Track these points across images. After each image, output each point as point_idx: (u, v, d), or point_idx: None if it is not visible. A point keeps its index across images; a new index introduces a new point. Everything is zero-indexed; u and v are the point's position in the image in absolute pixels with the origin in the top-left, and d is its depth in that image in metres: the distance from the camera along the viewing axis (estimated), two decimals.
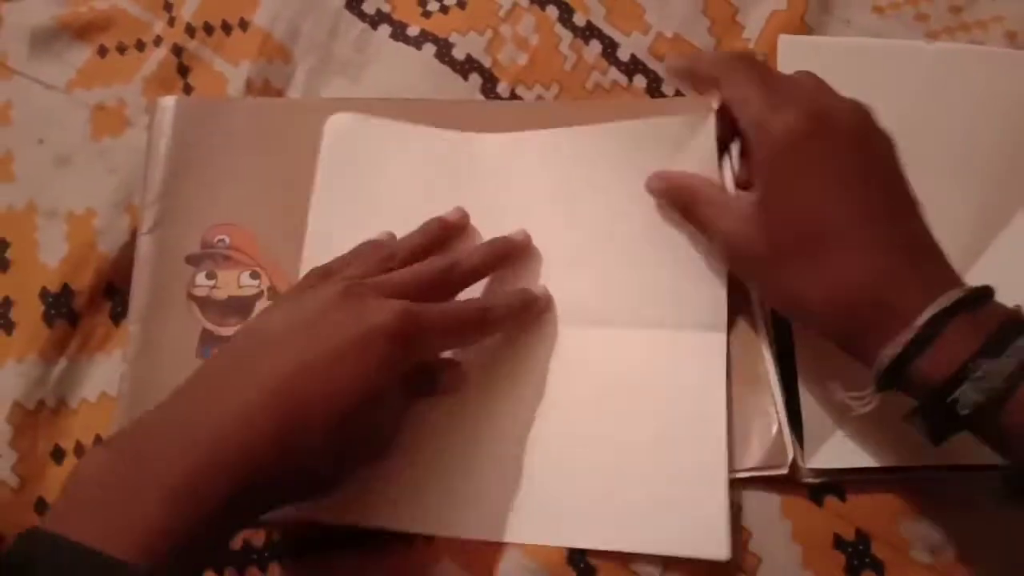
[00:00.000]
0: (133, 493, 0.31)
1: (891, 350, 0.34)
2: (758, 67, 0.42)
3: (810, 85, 0.40)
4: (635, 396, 0.42)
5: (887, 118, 0.44)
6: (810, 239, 0.37)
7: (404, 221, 0.44)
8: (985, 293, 0.35)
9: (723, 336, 0.42)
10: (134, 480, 0.31)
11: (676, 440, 0.41)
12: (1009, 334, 0.33)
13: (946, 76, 0.48)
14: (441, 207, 0.45)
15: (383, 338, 0.35)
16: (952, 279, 0.36)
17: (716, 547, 0.39)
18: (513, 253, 0.44)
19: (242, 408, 0.33)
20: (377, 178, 0.47)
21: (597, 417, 0.42)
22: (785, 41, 0.49)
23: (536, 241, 0.45)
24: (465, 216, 0.45)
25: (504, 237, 0.44)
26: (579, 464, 0.41)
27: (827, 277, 0.37)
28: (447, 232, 0.44)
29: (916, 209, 0.38)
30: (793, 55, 0.49)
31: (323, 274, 0.40)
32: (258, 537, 0.41)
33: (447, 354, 0.42)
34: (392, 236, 0.44)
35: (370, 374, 0.35)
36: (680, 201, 0.43)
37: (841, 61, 0.49)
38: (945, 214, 0.44)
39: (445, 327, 0.38)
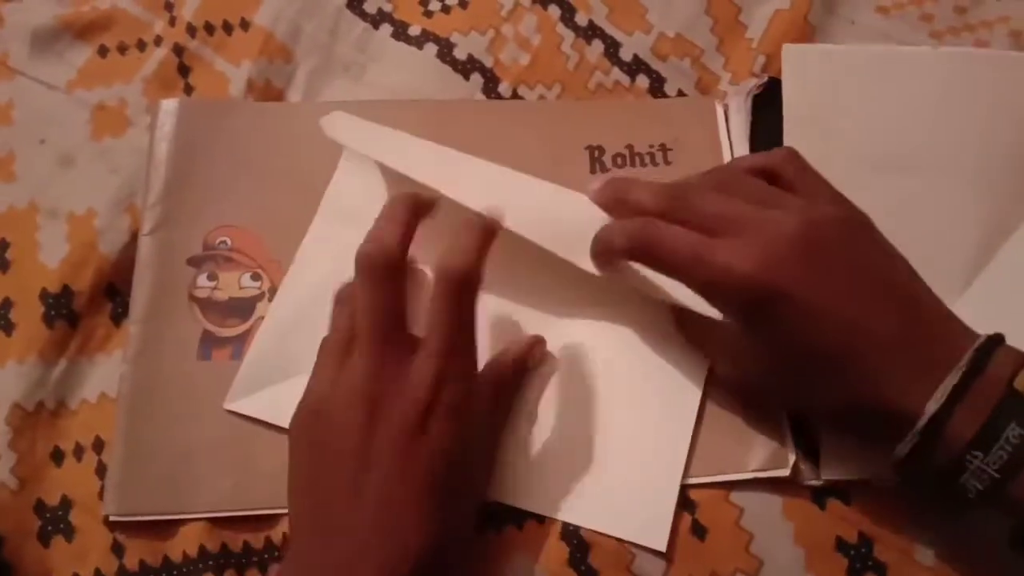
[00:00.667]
0: None
1: (901, 449, 0.35)
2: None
3: (760, 237, 0.36)
4: (618, 387, 0.43)
5: (896, 125, 0.44)
6: (814, 369, 0.36)
7: None
8: (983, 357, 0.34)
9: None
10: None
11: (646, 434, 0.42)
12: (1003, 417, 0.33)
13: (954, 81, 0.48)
14: None
15: (441, 409, 0.35)
16: (955, 347, 0.35)
17: (658, 539, 0.40)
18: (422, 213, 0.38)
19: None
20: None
21: (583, 398, 0.43)
22: (789, 50, 0.48)
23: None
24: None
25: (398, 198, 0.38)
26: (557, 437, 0.42)
27: (838, 399, 0.36)
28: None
29: (905, 275, 0.38)
30: (798, 64, 0.48)
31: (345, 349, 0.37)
32: (257, 539, 0.41)
33: None
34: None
35: (447, 441, 0.35)
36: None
37: (847, 68, 0.48)
38: (955, 220, 0.44)
39: (464, 340, 0.37)
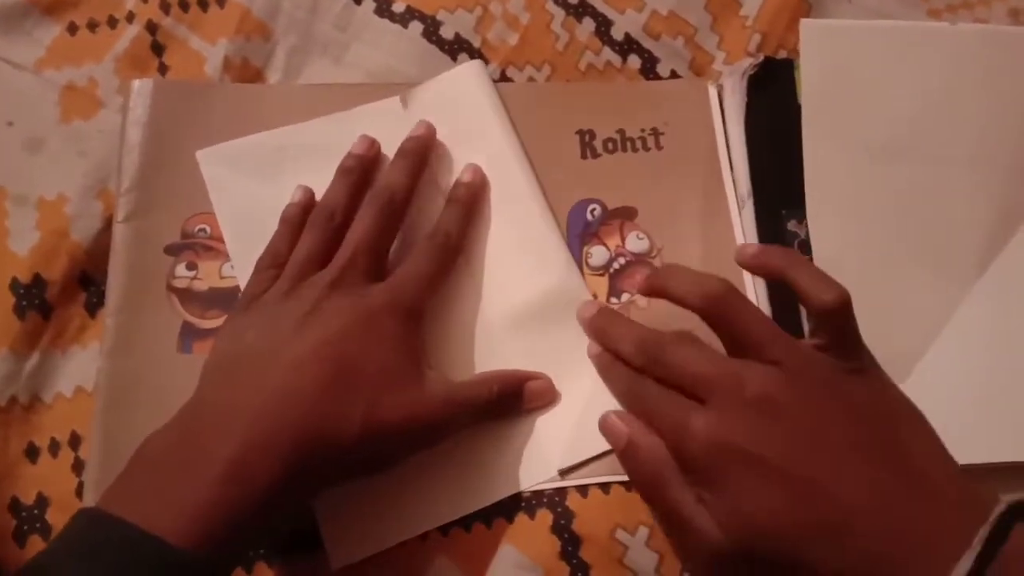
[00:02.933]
0: (189, 474, 0.32)
1: None
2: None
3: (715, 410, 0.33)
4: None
5: (911, 102, 0.43)
6: (793, 542, 0.31)
7: None
8: (1001, 532, 0.29)
9: None
10: (189, 461, 0.33)
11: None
12: None
13: (973, 58, 0.47)
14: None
15: (383, 318, 0.38)
16: (968, 501, 0.31)
17: (560, 460, 0.41)
18: (424, 150, 0.44)
19: (286, 384, 0.35)
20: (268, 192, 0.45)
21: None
22: (807, 26, 0.47)
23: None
24: (374, 143, 0.45)
25: (409, 141, 0.44)
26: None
27: (831, 564, 0.31)
28: (366, 165, 0.44)
29: (914, 436, 0.33)
30: (814, 40, 0.47)
31: (269, 265, 0.41)
32: None
33: None
34: (309, 194, 0.44)
35: (389, 356, 0.37)
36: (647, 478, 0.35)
37: (866, 45, 0.47)
38: (971, 207, 0.44)
39: (430, 287, 0.41)
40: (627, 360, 0.38)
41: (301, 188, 0.44)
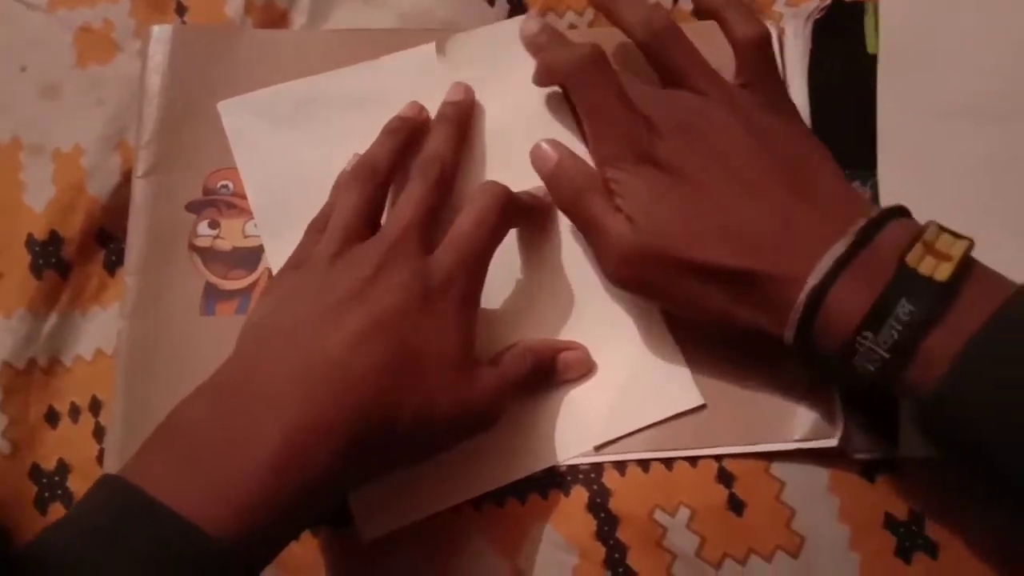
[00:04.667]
0: (233, 455, 0.30)
1: (788, 333, 0.34)
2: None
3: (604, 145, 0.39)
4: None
5: (1001, 57, 0.41)
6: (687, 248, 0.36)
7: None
8: (873, 229, 0.33)
9: None
10: (233, 440, 0.30)
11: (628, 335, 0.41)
12: (893, 294, 0.31)
13: None
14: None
15: (451, 306, 0.35)
16: (849, 222, 0.34)
17: (690, 399, 0.40)
18: (466, 116, 0.42)
19: (342, 362, 0.32)
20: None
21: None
22: None
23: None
24: (423, 109, 0.42)
25: (450, 106, 0.42)
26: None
27: (716, 275, 0.35)
28: (412, 129, 0.41)
29: (809, 164, 0.37)
30: None
31: (318, 230, 0.38)
32: None
33: None
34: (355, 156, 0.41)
35: (447, 344, 0.35)
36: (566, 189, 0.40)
37: None
38: None
39: (486, 253, 0.38)
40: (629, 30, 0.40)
41: (415, 104, 0.42)
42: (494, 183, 0.38)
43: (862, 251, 0.32)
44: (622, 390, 0.40)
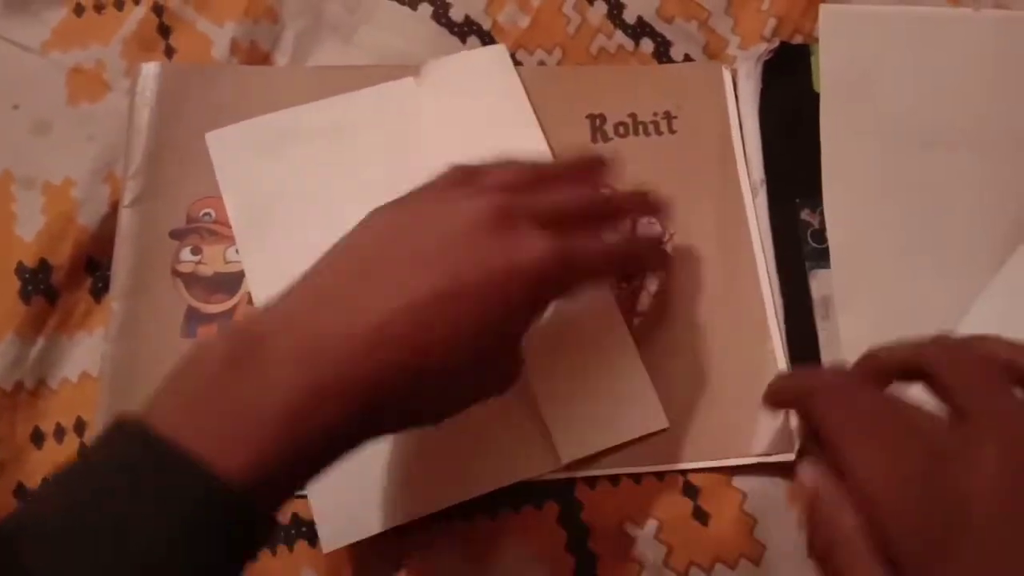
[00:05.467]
0: (251, 404, 0.28)
1: None
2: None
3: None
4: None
5: (933, 89, 0.42)
6: None
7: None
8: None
9: None
10: (254, 389, 0.28)
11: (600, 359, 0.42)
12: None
13: (997, 46, 0.46)
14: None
15: (530, 280, 0.31)
16: None
17: (656, 421, 0.41)
18: (649, 209, 0.41)
19: (376, 327, 0.29)
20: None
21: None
22: (826, 11, 0.46)
23: None
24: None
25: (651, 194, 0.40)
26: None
27: None
28: (593, 169, 0.40)
29: None
30: (836, 26, 0.46)
31: (470, 174, 0.35)
32: None
33: None
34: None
35: (509, 316, 0.32)
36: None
37: (888, 32, 0.46)
38: (988, 195, 0.43)
39: (596, 267, 0.36)
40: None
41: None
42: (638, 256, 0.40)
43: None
44: (592, 411, 0.41)
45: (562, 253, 0.32)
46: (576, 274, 0.34)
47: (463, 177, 0.35)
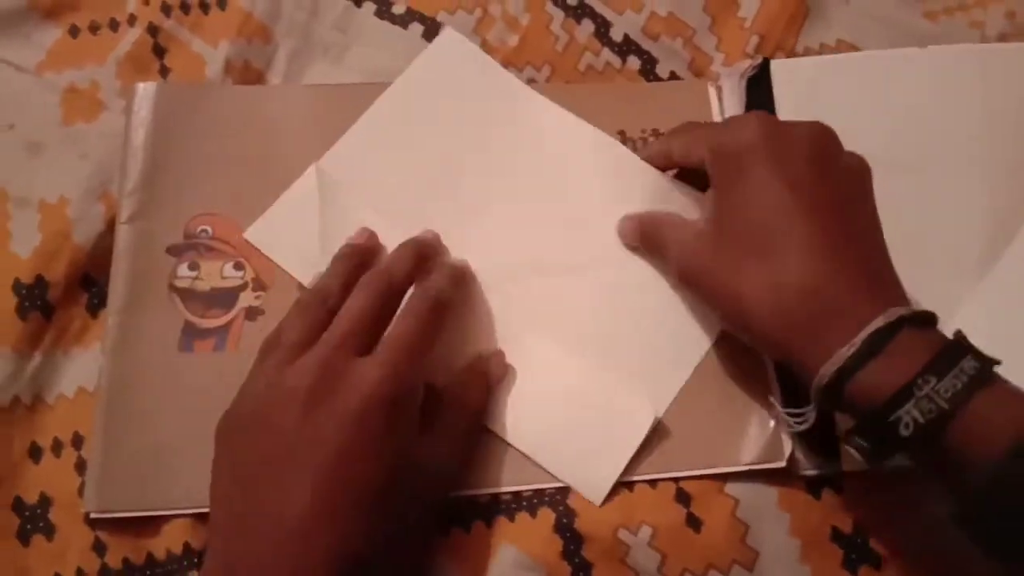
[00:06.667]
0: None
1: (831, 365, 0.33)
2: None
3: (763, 115, 0.39)
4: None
5: (892, 127, 0.44)
6: (756, 244, 0.36)
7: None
8: (930, 318, 0.34)
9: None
10: None
11: (611, 398, 0.42)
12: (955, 354, 0.32)
13: (946, 79, 0.47)
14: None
15: (382, 405, 0.34)
16: (900, 298, 0.35)
17: (596, 493, 0.41)
18: (430, 254, 0.42)
19: (311, 533, 0.32)
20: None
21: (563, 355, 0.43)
22: (777, 67, 0.48)
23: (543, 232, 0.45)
24: (373, 236, 0.43)
25: (413, 239, 0.42)
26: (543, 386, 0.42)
27: (768, 279, 0.36)
28: (363, 258, 0.42)
29: (875, 232, 0.37)
30: (787, 78, 0.47)
31: (272, 346, 0.37)
32: None
33: None
34: (372, 239, 0.43)
35: (388, 440, 0.34)
36: (646, 232, 0.43)
37: (837, 78, 0.48)
38: (962, 216, 0.44)
39: (421, 350, 0.37)
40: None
41: (365, 231, 0.43)
42: (439, 290, 0.39)
43: (922, 326, 0.33)
44: (573, 435, 0.41)
45: (392, 369, 0.35)
46: (413, 372, 0.36)
47: (271, 346, 0.37)
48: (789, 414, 0.38)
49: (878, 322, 0.33)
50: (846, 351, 0.33)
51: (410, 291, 0.40)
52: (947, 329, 0.34)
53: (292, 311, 0.39)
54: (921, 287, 0.37)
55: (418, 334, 0.37)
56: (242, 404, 0.36)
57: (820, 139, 0.38)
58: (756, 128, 0.38)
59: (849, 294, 0.34)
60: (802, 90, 0.47)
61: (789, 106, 0.47)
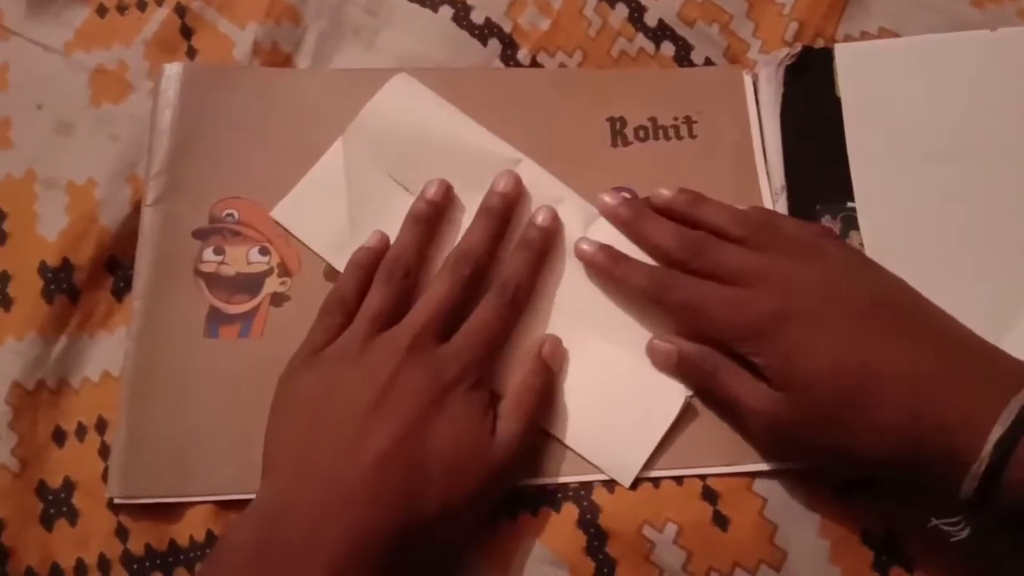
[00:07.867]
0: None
1: (969, 483, 0.33)
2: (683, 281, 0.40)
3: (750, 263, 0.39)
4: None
5: (955, 109, 0.43)
6: (844, 397, 0.35)
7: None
8: None
9: None
10: (281, 570, 0.33)
11: (647, 385, 0.41)
12: None
13: (1012, 59, 0.45)
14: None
15: (462, 394, 0.37)
16: (1009, 370, 0.34)
17: (625, 475, 0.40)
18: (509, 209, 0.43)
19: (369, 483, 0.34)
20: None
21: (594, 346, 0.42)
22: (842, 51, 0.46)
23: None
24: (449, 189, 0.43)
25: (492, 194, 0.43)
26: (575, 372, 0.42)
27: (878, 423, 0.34)
28: (440, 210, 0.43)
29: (938, 312, 0.37)
30: (852, 63, 0.46)
31: (341, 308, 0.40)
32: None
33: None
34: (384, 239, 0.42)
35: (460, 434, 0.37)
36: (694, 370, 0.40)
37: (902, 62, 0.46)
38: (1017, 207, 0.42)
39: (498, 342, 0.40)
40: (665, 252, 0.41)
41: (377, 234, 0.43)
42: (516, 287, 0.40)
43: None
44: (601, 418, 0.41)
45: (472, 356, 0.38)
46: (494, 356, 0.40)
47: (338, 310, 0.40)
48: (946, 524, 0.36)
49: (999, 429, 0.32)
50: (978, 469, 0.32)
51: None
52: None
53: (353, 274, 0.41)
54: (993, 279, 0.37)
55: (495, 329, 0.40)
56: (314, 357, 0.39)
57: (833, 269, 0.38)
58: (769, 291, 0.37)
59: (961, 401, 0.33)
60: (866, 75, 0.45)
61: (853, 91, 0.45)
